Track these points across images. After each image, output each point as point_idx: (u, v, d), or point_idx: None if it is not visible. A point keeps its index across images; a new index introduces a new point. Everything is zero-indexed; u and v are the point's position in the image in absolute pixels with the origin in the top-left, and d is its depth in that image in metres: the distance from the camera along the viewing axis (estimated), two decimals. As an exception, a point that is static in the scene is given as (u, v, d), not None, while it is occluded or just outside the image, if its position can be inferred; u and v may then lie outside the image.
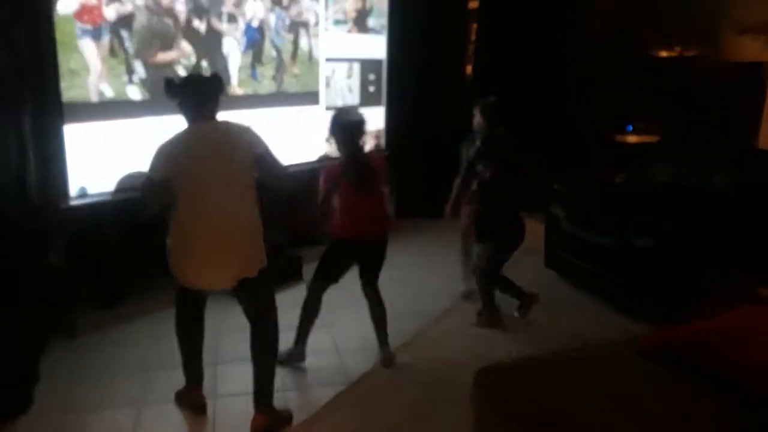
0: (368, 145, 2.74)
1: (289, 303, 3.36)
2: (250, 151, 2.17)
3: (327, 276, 2.75)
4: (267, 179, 2.25)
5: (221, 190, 2.12)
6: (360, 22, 4.28)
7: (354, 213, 2.60)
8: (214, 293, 2.37)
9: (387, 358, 2.80)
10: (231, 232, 2.14)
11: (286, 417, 2.38)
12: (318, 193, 2.63)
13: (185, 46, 3.26)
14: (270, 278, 2.32)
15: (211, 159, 2.11)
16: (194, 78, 2.38)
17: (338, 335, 3.09)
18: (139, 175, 2.72)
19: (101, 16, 2.90)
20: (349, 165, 2.58)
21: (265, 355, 2.32)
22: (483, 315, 3.18)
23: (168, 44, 3.19)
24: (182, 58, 3.27)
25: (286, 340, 2.96)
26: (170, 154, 2.12)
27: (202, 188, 2.11)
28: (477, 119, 3.14)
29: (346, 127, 2.59)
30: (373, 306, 2.82)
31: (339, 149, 2.62)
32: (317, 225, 2.73)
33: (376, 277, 2.81)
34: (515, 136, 3.13)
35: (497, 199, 2.99)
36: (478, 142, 3.03)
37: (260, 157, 2.18)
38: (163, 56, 3.17)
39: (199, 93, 2.17)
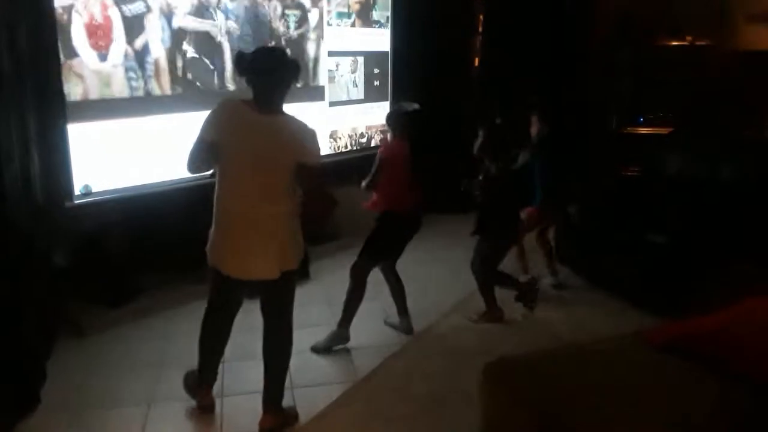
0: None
1: (297, 301, 3.37)
2: (296, 156, 2.02)
3: (382, 253, 2.89)
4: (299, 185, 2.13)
5: (259, 178, 2.03)
6: (364, 15, 4.23)
7: (407, 189, 2.78)
8: (251, 284, 2.26)
9: (409, 326, 3.03)
10: (266, 221, 2.07)
11: (292, 416, 2.37)
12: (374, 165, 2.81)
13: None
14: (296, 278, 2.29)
15: (257, 147, 2.01)
16: (266, 54, 2.07)
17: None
18: None
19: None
20: (409, 147, 2.77)
21: (279, 357, 2.30)
22: (485, 313, 3.16)
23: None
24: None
25: (299, 339, 2.96)
26: (223, 120, 2.04)
27: (242, 170, 2.04)
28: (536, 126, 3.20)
29: (408, 115, 2.82)
30: (395, 283, 3.03)
31: (402, 135, 2.83)
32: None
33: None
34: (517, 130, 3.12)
35: (501, 195, 2.96)
36: (480, 137, 3.01)
37: (303, 168, 2.03)
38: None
39: (268, 75, 1.98)
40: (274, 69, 2.01)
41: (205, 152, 2.06)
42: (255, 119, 2.02)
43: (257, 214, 2.06)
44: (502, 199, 2.98)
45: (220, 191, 2.11)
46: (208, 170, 2.18)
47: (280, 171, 2.05)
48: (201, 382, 2.43)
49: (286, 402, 2.40)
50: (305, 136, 2.07)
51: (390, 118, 2.91)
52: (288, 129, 2.06)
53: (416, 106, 2.88)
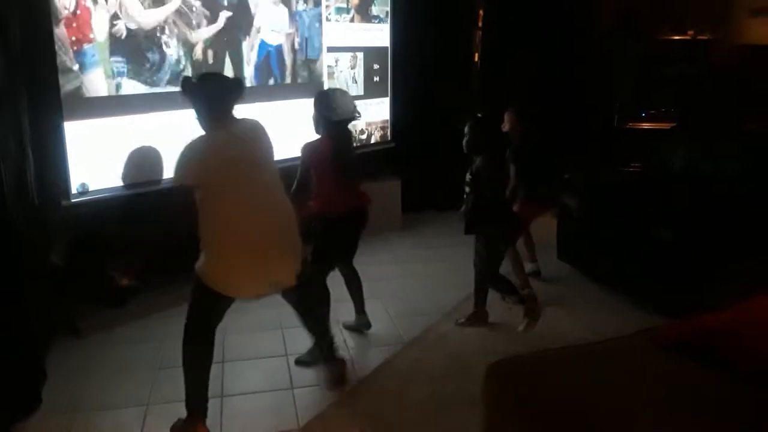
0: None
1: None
2: (270, 148, 2.21)
3: (333, 257, 2.78)
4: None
5: (262, 186, 2.12)
6: (363, 10, 4.20)
7: (341, 191, 2.65)
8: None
9: (367, 322, 3.02)
10: (282, 227, 2.15)
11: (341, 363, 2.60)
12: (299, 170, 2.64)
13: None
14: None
15: (245, 157, 2.08)
16: (212, 77, 2.24)
17: (346, 332, 3.04)
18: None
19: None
20: (337, 146, 2.62)
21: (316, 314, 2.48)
22: (472, 315, 3.08)
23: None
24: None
25: (298, 338, 2.94)
26: (202, 159, 2.06)
27: (246, 187, 2.06)
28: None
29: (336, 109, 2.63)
30: (353, 281, 2.95)
31: (324, 129, 2.64)
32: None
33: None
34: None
35: (488, 191, 2.86)
36: (467, 133, 2.87)
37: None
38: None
39: (216, 95, 2.09)
40: (220, 86, 2.15)
41: (188, 199, 2.07)
42: (226, 135, 2.09)
43: (276, 221, 2.14)
44: (490, 195, 2.84)
45: (231, 215, 2.05)
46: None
47: (270, 167, 2.18)
48: (193, 415, 2.19)
49: (287, 403, 2.37)
50: (260, 128, 2.23)
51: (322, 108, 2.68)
52: (253, 127, 2.20)
53: (349, 97, 2.74)
